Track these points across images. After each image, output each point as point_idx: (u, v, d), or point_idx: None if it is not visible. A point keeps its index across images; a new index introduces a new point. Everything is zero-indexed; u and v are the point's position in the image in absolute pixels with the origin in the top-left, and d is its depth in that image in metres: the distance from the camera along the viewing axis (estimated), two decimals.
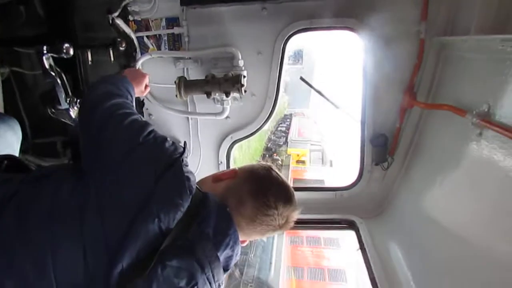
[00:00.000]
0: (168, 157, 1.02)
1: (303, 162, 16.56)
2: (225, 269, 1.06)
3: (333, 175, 14.88)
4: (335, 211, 2.29)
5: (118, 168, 0.98)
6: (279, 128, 19.84)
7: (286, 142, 17.89)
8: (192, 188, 1.01)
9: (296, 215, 1.15)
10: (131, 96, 1.32)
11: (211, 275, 0.97)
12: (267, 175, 1.17)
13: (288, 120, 20.51)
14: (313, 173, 15.06)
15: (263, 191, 1.10)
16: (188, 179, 1.01)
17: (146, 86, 1.69)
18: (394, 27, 1.97)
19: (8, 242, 0.88)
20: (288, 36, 2.07)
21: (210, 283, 0.97)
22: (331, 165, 17.17)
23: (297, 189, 2.42)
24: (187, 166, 1.05)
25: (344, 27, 2.03)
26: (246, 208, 1.09)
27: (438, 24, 1.91)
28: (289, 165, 14.99)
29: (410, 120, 2.10)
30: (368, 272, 1.88)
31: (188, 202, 0.98)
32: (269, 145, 17.74)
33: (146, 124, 1.10)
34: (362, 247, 2.02)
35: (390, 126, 2.14)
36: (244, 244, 1.18)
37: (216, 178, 1.19)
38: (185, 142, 1.14)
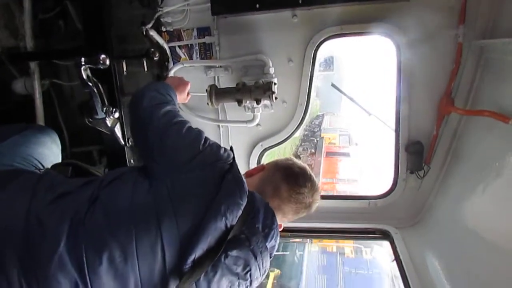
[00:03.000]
0: (224, 163, 1.17)
1: (333, 143, 21.26)
2: (269, 257, 1.21)
3: (357, 150, 20.25)
4: (369, 221, 2.24)
5: (184, 174, 1.12)
6: (313, 122, 23.64)
7: (319, 130, 22.24)
8: (247, 189, 1.16)
9: (319, 195, 1.36)
10: (174, 101, 1.41)
11: (261, 262, 1.13)
12: (291, 163, 1.36)
13: (320, 118, 24.43)
14: (341, 149, 20.10)
15: (292, 175, 1.31)
16: (244, 182, 1.16)
17: (188, 94, 1.75)
18: (430, 32, 1.92)
19: (100, 237, 1.01)
20: (319, 43, 2.05)
21: (259, 269, 1.14)
22: (356, 145, 21.56)
23: (329, 197, 2.41)
24: None
25: (376, 32, 1.99)
26: (282, 191, 1.28)
27: (477, 27, 1.85)
28: (322, 144, 19.44)
29: (447, 127, 2.04)
30: (404, 284, 1.82)
31: (245, 201, 1.13)
32: (305, 133, 21.52)
33: (199, 132, 1.24)
34: (397, 258, 1.96)
35: (426, 133, 2.08)
36: (280, 229, 1.29)
37: (248, 174, 1.38)
38: (231, 147, 1.27)
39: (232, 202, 1.09)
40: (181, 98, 1.65)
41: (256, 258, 1.10)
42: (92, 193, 1.10)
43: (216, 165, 1.15)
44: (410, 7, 1.88)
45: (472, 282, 1.59)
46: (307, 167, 1.37)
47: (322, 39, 2.04)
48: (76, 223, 1.02)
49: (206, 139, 1.21)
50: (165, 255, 1.02)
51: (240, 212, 1.10)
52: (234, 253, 1.06)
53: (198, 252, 1.02)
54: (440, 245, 1.93)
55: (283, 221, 1.33)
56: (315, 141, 20.40)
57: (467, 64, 1.91)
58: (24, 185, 1.12)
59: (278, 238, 1.23)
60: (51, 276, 0.96)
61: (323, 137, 20.84)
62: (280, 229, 1.28)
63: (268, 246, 1.16)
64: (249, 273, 1.10)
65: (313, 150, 19.29)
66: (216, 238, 1.05)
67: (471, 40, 1.87)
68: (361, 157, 19.33)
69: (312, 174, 1.36)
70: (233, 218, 1.08)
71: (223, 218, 1.06)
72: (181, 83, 1.68)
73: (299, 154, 18.37)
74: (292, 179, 1.30)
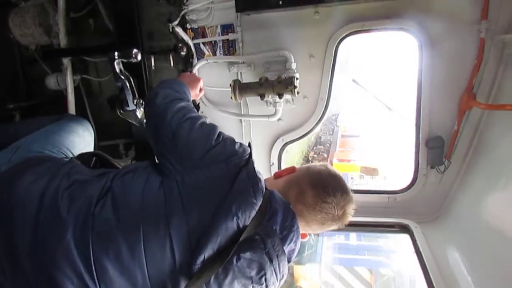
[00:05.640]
0: (239, 158, 1.13)
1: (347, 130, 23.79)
2: (288, 261, 1.14)
3: (366, 133, 22.23)
4: (388, 215, 2.24)
5: (196, 170, 1.09)
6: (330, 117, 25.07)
7: (335, 120, 23.50)
8: (263, 188, 1.11)
9: (352, 208, 1.23)
10: (189, 98, 1.42)
11: (277, 266, 1.06)
12: (324, 169, 1.26)
13: (336, 115, 25.43)
14: (353, 133, 22.35)
15: (321, 181, 1.21)
16: (260, 179, 1.11)
17: (200, 90, 1.77)
18: (451, 27, 1.93)
19: (108, 231, 1.00)
20: (341, 39, 2.08)
21: (276, 274, 1.07)
22: (365, 130, 23.74)
23: None
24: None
25: (398, 28, 2.01)
26: (307, 196, 1.19)
27: (500, 22, 1.85)
28: (338, 130, 21.69)
29: (468, 121, 2.03)
30: (425, 277, 1.83)
31: (261, 201, 1.08)
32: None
33: (213, 126, 1.21)
34: (417, 251, 1.97)
35: (447, 128, 2.08)
36: (305, 239, 1.24)
37: (277, 175, 1.31)
38: (249, 143, 1.23)
39: (244, 201, 1.04)
40: (193, 95, 1.64)
41: (271, 261, 1.04)
42: (105, 184, 1.09)
43: (231, 160, 1.11)
44: (432, 2, 1.89)
45: (493, 276, 1.59)
46: (342, 177, 1.25)
47: (344, 35, 2.06)
48: (85, 213, 1.00)
49: (220, 133, 1.19)
50: (175, 253, 0.99)
51: (254, 211, 1.05)
52: (247, 255, 1.00)
53: (207, 252, 0.98)
54: (461, 239, 1.92)
55: (307, 230, 1.25)
56: (333, 127, 22.53)
57: (489, 59, 1.90)
58: (45, 171, 1.12)
59: (299, 241, 1.17)
60: (57, 264, 0.94)
61: (338, 126, 23.20)
62: (304, 239, 1.23)
63: (286, 250, 1.10)
64: (264, 277, 1.04)
65: (331, 132, 21.18)
66: (227, 238, 1.01)
67: (494, 36, 1.87)
68: (368, 136, 21.76)
69: (347, 184, 1.23)
70: (245, 217, 1.03)
71: (234, 218, 1.01)
72: (192, 79, 1.69)
73: (320, 135, 19.87)
74: (320, 185, 1.19)
